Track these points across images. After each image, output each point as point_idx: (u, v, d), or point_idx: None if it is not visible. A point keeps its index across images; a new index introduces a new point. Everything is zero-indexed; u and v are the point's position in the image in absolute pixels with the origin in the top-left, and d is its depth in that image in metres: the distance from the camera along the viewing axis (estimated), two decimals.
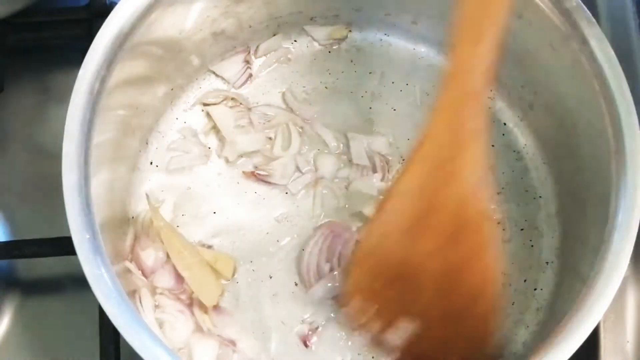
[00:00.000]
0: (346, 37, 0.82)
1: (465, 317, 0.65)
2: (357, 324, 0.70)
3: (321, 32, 0.82)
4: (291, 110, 0.80)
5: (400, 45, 0.82)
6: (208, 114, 0.79)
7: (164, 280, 0.71)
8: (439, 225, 0.61)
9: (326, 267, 0.73)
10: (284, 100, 0.80)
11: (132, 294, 0.69)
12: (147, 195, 0.74)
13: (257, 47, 0.81)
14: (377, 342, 0.70)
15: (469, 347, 0.67)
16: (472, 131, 0.59)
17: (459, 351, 0.67)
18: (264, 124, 0.79)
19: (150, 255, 0.71)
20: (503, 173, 0.78)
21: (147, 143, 0.77)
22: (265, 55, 0.81)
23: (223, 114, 0.79)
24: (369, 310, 0.68)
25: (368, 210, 0.75)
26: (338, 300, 0.71)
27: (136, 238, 0.73)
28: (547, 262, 0.74)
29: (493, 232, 0.62)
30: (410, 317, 0.66)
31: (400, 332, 0.67)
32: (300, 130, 0.79)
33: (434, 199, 0.61)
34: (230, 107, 0.79)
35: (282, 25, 0.80)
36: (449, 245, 0.62)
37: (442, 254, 0.62)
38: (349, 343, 0.71)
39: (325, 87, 0.81)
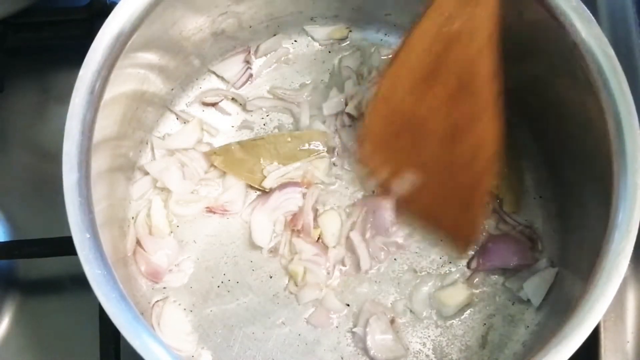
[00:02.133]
0: (346, 37, 0.82)
1: (462, 174, 0.68)
2: (368, 170, 0.74)
3: (321, 32, 0.82)
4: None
5: None
6: (207, 114, 0.80)
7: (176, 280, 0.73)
8: (446, 81, 0.65)
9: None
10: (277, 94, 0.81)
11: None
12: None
13: (258, 47, 0.81)
14: (383, 190, 0.74)
15: (461, 207, 0.70)
16: None
17: (452, 210, 0.71)
18: (263, 125, 0.79)
19: (161, 257, 0.73)
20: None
21: (147, 142, 0.77)
22: (265, 55, 0.81)
23: (221, 114, 0.80)
24: (379, 157, 0.72)
25: None
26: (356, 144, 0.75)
27: (138, 239, 0.73)
28: (547, 262, 0.74)
29: (494, 98, 0.64)
30: (414, 168, 0.70)
31: (404, 183, 0.70)
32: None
33: (442, 55, 0.64)
34: (229, 107, 0.80)
35: (282, 25, 0.80)
36: (454, 102, 0.65)
37: (447, 109, 0.66)
38: None
39: (326, 87, 0.81)
